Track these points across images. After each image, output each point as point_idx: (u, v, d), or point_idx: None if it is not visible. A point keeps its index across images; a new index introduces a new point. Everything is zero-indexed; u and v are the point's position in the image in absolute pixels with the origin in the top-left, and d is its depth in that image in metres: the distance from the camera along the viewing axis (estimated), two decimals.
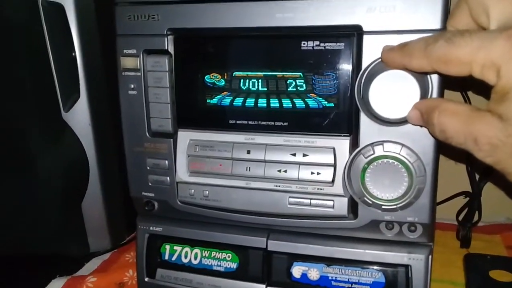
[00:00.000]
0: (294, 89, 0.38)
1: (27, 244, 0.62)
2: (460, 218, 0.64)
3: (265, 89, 0.39)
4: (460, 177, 0.65)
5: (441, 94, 0.35)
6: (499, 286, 0.53)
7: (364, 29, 0.35)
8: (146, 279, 0.46)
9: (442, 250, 0.61)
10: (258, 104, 0.39)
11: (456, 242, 0.63)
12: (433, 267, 0.57)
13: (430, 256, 0.39)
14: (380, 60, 0.35)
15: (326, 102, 0.38)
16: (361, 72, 0.35)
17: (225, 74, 0.40)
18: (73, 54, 0.57)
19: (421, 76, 0.34)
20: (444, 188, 0.66)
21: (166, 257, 0.45)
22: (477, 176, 0.63)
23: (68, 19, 0.56)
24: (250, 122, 0.39)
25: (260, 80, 0.39)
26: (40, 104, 0.58)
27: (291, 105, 0.38)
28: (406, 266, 0.39)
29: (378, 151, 0.36)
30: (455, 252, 0.61)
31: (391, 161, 0.36)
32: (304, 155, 0.38)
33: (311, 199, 0.38)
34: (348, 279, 0.40)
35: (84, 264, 0.61)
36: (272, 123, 0.39)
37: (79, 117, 0.59)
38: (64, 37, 0.57)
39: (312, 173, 0.38)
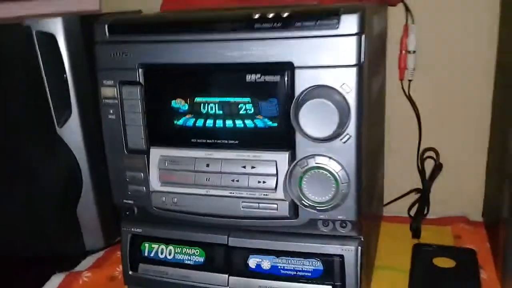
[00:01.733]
0: (244, 112, 0.46)
1: (29, 244, 0.70)
2: (412, 212, 0.72)
3: (221, 112, 0.47)
4: (412, 176, 0.73)
5: (359, 118, 0.43)
6: (439, 271, 0.61)
7: (295, 65, 0.43)
8: (130, 273, 0.54)
9: (395, 241, 0.69)
10: (216, 125, 0.47)
11: (409, 234, 0.71)
12: (384, 256, 0.66)
13: (359, 247, 0.47)
14: (308, 89, 0.43)
15: (270, 123, 0.45)
16: (294, 100, 0.43)
17: (188, 99, 0.47)
18: (65, 76, 0.65)
19: (340, 104, 0.42)
20: (399, 186, 0.74)
21: (146, 254, 0.53)
22: (427, 175, 0.71)
23: (59, 46, 0.64)
24: (208, 141, 0.47)
25: (216, 105, 0.47)
26: (37, 121, 0.66)
27: (242, 125, 0.46)
28: (340, 256, 0.47)
29: (311, 163, 0.44)
30: (407, 242, 0.69)
31: (321, 171, 0.44)
32: (252, 167, 0.46)
33: (259, 203, 0.46)
34: (294, 268, 0.48)
35: (81, 262, 0.70)
36: (226, 141, 0.47)
37: (72, 131, 0.67)
38: (56, 62, 0.65)
39: (259, 182, 0.46)
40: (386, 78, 0.70)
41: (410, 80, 0.68)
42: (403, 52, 0.66)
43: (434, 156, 0.71)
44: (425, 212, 0.70)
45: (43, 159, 0.67)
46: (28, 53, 0.63)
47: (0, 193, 0.68)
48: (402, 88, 0.69)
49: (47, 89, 0.65)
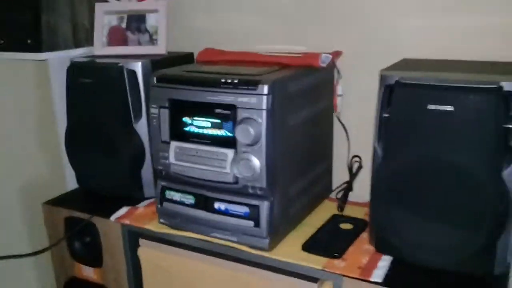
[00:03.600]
0: (216, 126, 0.90)
1: (114, 190, 1.20)
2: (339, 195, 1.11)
3: (205, 125, 0.91)
4: (345, 174, 1.12)
5: (267, 135, 0.85)
6: (338, 230, 1.00)
7: (237, 106, 0.86)
8: (159, 206, 1.01)
9: (326, 212, 1.09)
10: (203, 132, 0.92)
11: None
12: (313, 220, 1.06)
13: (268, 203, 0.89)
14: (242, 119, 0.85)
15: (227, 133, 0.89)
16: (236, 123, 0.86)
17: (191, 118, 0.93)
18: (140, 94, 1.14)
19: (256, 128, 0.84)
20: (339, 180, 1.13)
21: (167, 196, 1.00)
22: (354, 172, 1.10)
23: (138, 77, 1.13)
24: (198, 140, 0.92)
25: (204, 122, 0.91)
26: (122, 119, 1.15)
27: (214, 133, 0.90)
28: (257, 205, 0.89)
29: (243, 156, 0.87)
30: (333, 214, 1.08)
31: (247, 160, 0.87)
32: (216, 155, 0.90)
33: (218, 174, 0.90)
34: (235, 210, 0.91)
35: (140, 202, 1.18)
36: (206, 141, 0.91)
37: (141, 126, 1.15)
38: (135, 86, 1.13)
39: (219, 163, 0.90)
40: (329, 110, 1.09)
41: (339, 112, 1.07)
42: (336, 95, 1.06)
43: (359, 160, 1.09)
44: (347, 196, 1.09)
45: (124, 140, 1.15)
46: (120, 81, 1.12)
47: (100, 160, 1.18)
48: (336, 116, 1.09)
49: (130, 101, 1.13)
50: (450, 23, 1.00)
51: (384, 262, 0.88)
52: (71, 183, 1.33)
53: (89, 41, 1.29)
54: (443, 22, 1.01)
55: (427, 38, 1.03)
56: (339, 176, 1.15)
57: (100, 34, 1.26)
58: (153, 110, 0.97)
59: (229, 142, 0.89)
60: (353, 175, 1.10)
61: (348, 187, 1.10)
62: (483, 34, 0.98)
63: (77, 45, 1.27)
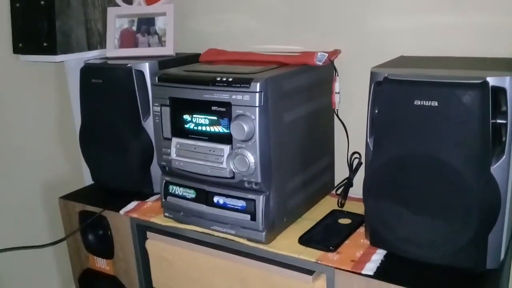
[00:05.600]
0: (213, 123, 0.94)
1: (124, 185, 1.25)
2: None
3: (203, 122, 0.95)
4: (346, 170, 1.14)
5: (260, 131, 0.88)
6: (337, 225, 1.03)
7: (232, 104, 0.89)
8: (163, 200, 1.06)
9: (327, 207, 1.11)
10: (201, 129, 0.95)
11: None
12: (313, 214, 1.08)
13: (264, 197, 0.92)
14: (237, 115, 0.89)
15: (224, 129, 0.93)
16: (231, 120, 0.90)
17: (190, 115, 0.97)
18: (148, 94, 1.19)
19: (250, 124, 0.87)
20: (340, 176, 1.15)
21: (170, 191, 1.04)
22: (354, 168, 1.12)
23: (146, 77, 1.18)
24: (197, 136, 0.96)
25: (202, 118, 0.95)
26: (132, 118, 1.20)
27: (212, 130, 0.94)
28: (253, 199, 0.92)
29: (238, 151, 0.90)
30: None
31: (242, 156, 0.90)
32: (213, 151, 0.94)
33: (216, 169, 0.94)
34: (233, 204, 0.95)
35: (149, 197, 1.23)
36: (204, 137, 0.95)
37: (149, 124, 1.20)
38: (143, 86, 1.18)
39: (215, 158, 0.93)
40: (329, 107, 1.11)
41: (337, 109, 1.09)
42: (334, 92, 1.07)
43: (358, 157, 1.11)
44: (347, 192, 1.11)
45: (134, 138, 1.20)
46: (129, 81, 1.17)
47: (112, 156, 1.23)
48: (335, 113, 1.10)
49: (138, 101, 1.18)
50: (445, 21, 1.01)
51: (378, 256, 0.90)
52: (88, 178, 1.39)
53: (103, 44, 1.35)
54: (439, 20, 1.02)
55: (424, 36, 1.04)
56: (342, 172, 1.16)
57: (112, 37, 1.32)
58: (155, 108, 1.01)
59: (225, 138, 0.93)
60: (353, 171, 1.11)
61: (349, 183, 1.11)
62: (477, 31, 0.98)
63: (90, 47, 1.33)
